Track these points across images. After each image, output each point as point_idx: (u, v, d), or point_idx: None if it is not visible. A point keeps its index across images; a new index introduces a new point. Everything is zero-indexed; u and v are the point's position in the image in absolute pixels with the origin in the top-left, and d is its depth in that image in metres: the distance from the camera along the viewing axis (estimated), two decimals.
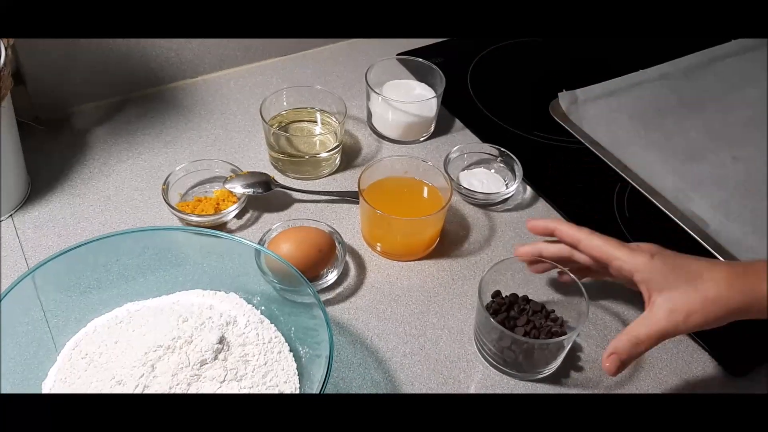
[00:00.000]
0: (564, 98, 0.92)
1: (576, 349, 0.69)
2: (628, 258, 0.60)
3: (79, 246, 0.63)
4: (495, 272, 0.68)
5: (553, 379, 0.67)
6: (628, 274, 0.60)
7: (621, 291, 0.71)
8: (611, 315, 0.72)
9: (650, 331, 0.57)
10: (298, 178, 0.83)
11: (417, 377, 0.66)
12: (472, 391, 0.65)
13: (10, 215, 0.76)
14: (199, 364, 0.58)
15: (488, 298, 0.69)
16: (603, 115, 0.92)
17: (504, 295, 0.69)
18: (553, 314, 0.68)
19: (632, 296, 0.71)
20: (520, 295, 0.69)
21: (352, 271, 0.74)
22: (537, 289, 0.70)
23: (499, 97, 0.96)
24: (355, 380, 0.65)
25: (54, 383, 0.59)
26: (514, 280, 0.70)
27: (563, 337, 0.63)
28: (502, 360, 0.66)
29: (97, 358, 0.60)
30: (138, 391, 0.56)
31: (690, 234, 0.78)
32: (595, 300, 0.73)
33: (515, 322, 0.67)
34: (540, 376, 0.66)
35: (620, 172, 0.84)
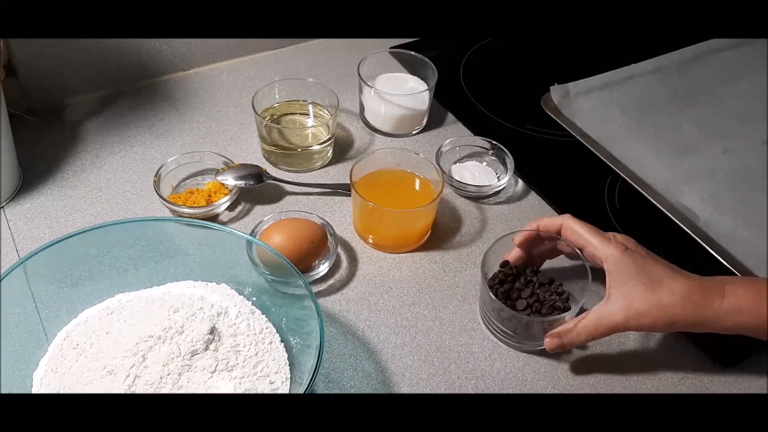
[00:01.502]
0: (556, 92, 0.92)
1: None
2: (602, 247, 0.63)
3: (70, 237, 0.63)
4: (501, 244, 0.69)
5: (552, 356, 0.67)
6: (599, 261, 0.64)
7: None
8: None
9: (600, 324, 0.62)
10: (290, 171, 0.83)
11: (408, 368, 0.66)
12: (463, 381, 0.65)
13: (2, 207, 0.76)
14: (189, 354, 0.58)
15: (496, 268, 0.70)
16: (595, 108, 0.93)
17: (512, 266, 0.69)
18: (560, 288, 0.68)
19: None
20: (529, 266, 0.70)
21: (344, 263, 0.75)
22: (547, 262, 0.71)
23: (492, 90, 0.96)
24: (347, 371, 0.65)
25: (45, 373, 0.59)
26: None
27: (560, 315, 0.64)
28: (502, 331, 0.67)
29: (88, 349, 0.60)
30: (129, 380, 0.56)
31: (680, 226, 0.79)
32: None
33: (519, 294, 0.67)
34: (539, 348, 0.67)
35: (611, 165, 0.84)
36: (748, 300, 0.60)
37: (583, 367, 0.67)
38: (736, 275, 0.74)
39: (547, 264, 0.71)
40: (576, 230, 0.65)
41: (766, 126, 0.92)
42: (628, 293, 0.61)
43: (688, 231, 0.78)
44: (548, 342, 0.64)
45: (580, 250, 0.66)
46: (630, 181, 0.83)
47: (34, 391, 0.58)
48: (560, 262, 0.71)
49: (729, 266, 0.75)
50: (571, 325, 0.63)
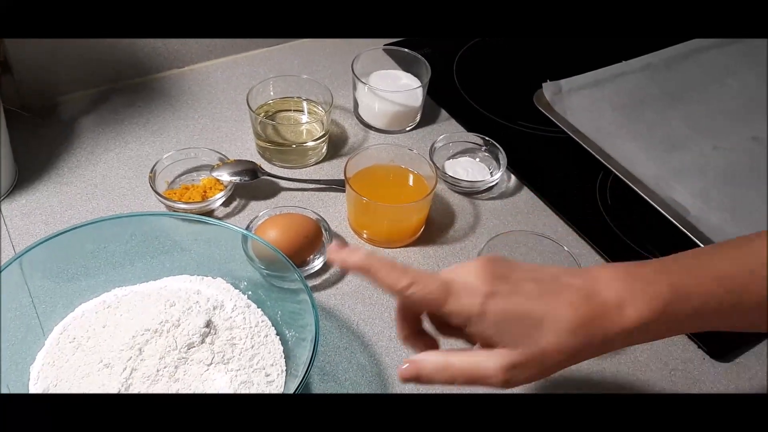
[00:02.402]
0: (548, 88, 0.93)
1: None
2: (456, 306, 0.46)
3: (65, 232, 0.63)
4: (492, 246, 0.70)
5: None
6: (462, 325, 0.47)
7: None
8: None
9: (469, 377, 0.47)
10: (285, 167, 0.84)
11: (402, 361, 0.67)
12: None
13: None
14: (186, 347, 0.59)
15: None
16: (586, 105, 0.94)
17: None
18: None
19: None
20: None
21: None
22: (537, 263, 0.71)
23: (485, 87, 0.97)
24: (342, 363, 0.66)
25: (42, 367, 0.59)
26: (515, 252, 0.71)
27: None
28: None
29: (85, 342, 0.60)
30: (126, 373, 0.57)
31: (671, 221, 0.80)
32: None
33: None
34: None
35: (602, 161, 0.85)
36: (653, 308, 0.46)
37: None
38: None
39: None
40: (428, 292, 0.46)
41: (753, 123, 0.94)
42: (504, 352, 0.46)
43: (679, 225, 0.79)
44: (403, 371, 0.49)
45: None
46: (621, 176, 0.84)
47: (32, 384, 0.59)
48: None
49: None
50: (434, 365, 0.48)
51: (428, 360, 0.48)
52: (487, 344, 0.47)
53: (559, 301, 0.46)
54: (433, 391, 0.65)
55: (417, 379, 0.49)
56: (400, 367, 0.49)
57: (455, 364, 0.47)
